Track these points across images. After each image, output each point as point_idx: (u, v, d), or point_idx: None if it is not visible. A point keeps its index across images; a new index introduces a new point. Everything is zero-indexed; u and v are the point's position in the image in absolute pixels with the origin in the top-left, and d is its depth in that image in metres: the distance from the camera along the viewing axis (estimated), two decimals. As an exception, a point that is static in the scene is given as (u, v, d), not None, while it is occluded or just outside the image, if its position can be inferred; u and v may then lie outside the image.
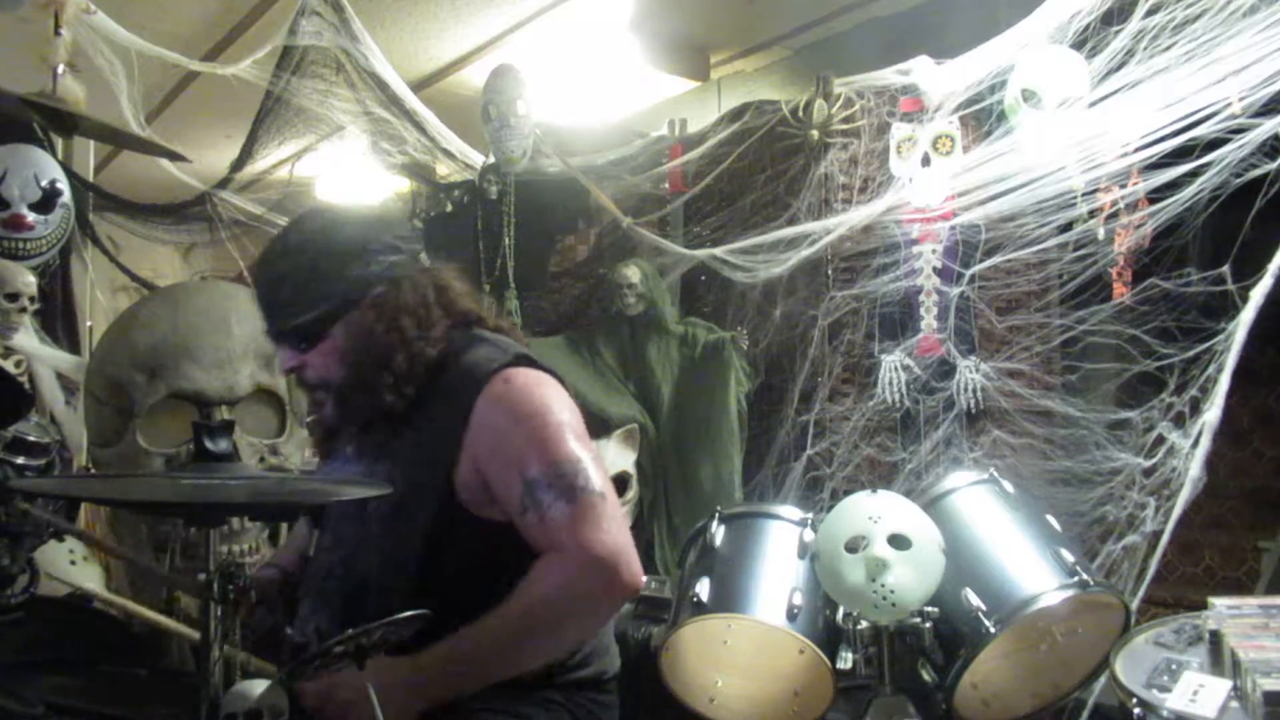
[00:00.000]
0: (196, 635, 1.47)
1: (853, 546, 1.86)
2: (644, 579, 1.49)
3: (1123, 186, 2.27)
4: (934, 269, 2.68)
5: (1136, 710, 1.47)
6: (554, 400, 1.54)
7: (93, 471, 2.51)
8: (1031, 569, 1.89)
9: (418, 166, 3.54)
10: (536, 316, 3.54)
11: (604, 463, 1.57)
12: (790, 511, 2.16)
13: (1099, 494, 2.27)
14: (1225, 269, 2.03)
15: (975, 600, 1.83)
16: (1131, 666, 1.58)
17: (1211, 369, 2.01)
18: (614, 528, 1.46)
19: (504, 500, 1.49)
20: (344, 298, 1.54)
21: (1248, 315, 1.94)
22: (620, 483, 3.04)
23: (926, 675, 1.91)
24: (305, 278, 1.54)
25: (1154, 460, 2.13)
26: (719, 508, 2.23)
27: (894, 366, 2.72)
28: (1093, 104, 2.24)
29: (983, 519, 2.01)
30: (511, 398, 1.52)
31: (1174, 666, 1.54)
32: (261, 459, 2.30)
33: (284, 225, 1.67)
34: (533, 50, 4.06)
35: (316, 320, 1.54)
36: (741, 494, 2.96)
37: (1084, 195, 2.28)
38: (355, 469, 1.64)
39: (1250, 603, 1.63)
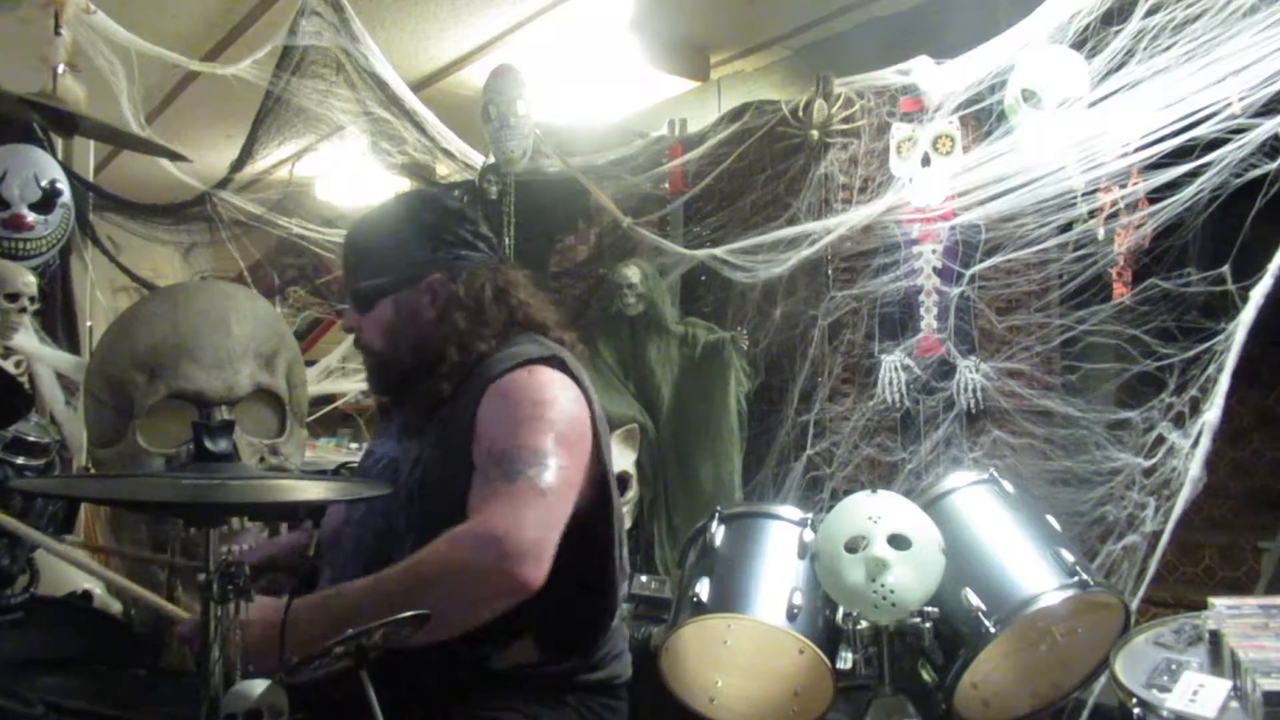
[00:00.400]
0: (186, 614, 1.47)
1: (853, 546, 1.86)
2: (539, 582, 1.36)
3: (1123, 186, 2.27)
4: (934, 269, 2.68)
5: (1136, 710, 1.47)
6: (561, 402, 1.53)
7: (93, 471, 2.50)
8: (1031, 569, 1.89)
9: (418, 166, 3.54)
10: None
11: (574, 474, 1.49)
12: (790, 511, 2.16)
13: (1099, 494, 2.27)
14: (1225, 269, 2.03)
15: (975, 600, 1.84)
16: (1131, 666, 1.58)
17: (1211, 369, 2.01)
18: (531, 520, 1.38)
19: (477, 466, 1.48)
20: (400, 274, 1.61)
21: (1248, 315, 1.94)
22: (620, 483, 3.04)
23: (926, 675, 1.92)
24: (371, 248, 1.65)
25: (1154, 460, 2.13)
26: (719, 508, 2.23)
27: (894, 366, 2.72)
28: (1093, 104, 2.24)
29: (983, 519, 2.01)
30: (523, 385, 1.53)
31: (1174, 666, 1.54)
32: (261, 459, 2.29)
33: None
34: (533, 50, 4.05)
35: (372, 289, 1.63)
36: (741, 494, 2.96)
37: (1084, 195, 2.28)
38: (397, 449, 1.67)
39: (1250, 603, 1.64)
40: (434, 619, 1.30)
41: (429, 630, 1.30)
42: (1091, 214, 2.32)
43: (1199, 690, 1.46)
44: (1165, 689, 1.48)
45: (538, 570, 1.36)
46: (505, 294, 1.65)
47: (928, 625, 1.84)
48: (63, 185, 3.02)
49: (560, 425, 1.50)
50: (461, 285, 1.61)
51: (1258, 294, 1.92)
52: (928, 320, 2.69)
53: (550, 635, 1.54)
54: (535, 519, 1.39)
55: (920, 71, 2.67)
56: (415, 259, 1.61)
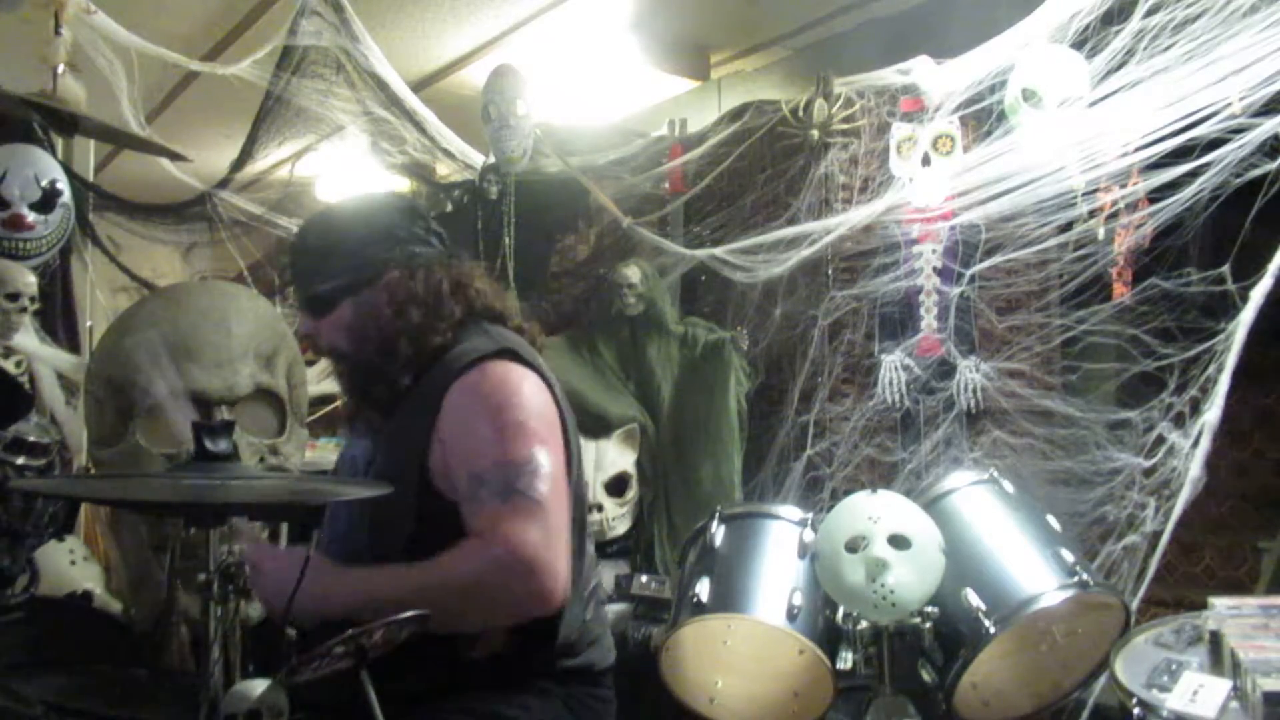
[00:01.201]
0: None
1: (853, 546, 1.86)
2: (562, 597, 1.43)
3: (1123, 186, 2.27)
4: (934, 269, 2.68)
5: (1136, 710, 1.47)
6: (522, 397, 1.53)
7: (93, 471, 2.50)
8: (1031, 569, 1.89)
9: (418, 166, 3.54)
10: (536, 317, 3.53)
11: (558, 469, 1.51)
12: (790, 511, 2.16)
13: (1099, 494, 2.27)
14: (1225, 269, 2.03)
15: (975, 600, 1.84)
16: (1131, 666, 1.58)
17: (1211, 369, 2.01)
18: (541, 534, 1.42)
19: (456, 487, 1.50)
20: (357, 275, 1.61)
21: (1248, 315, 1.94)
22: (620, 483, 3.04)
23: (926, 675, 1.92)
24: (325, 251, 1.64)
25: (1154, 460, 2.13)
26: (719, 508, 2.23)
27: (894, 366, 2.72)
28: (1093, 104, 2.24)
29: (983, 519, 2.01)
30: (480, 389, 1.53)
31: (1174, 666, 1.54)
32: (261, 459, 2.29)
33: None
34: (533, 50, 4.05)
35: (330, 292, 1.62)
36: (741, 494, 2.96)
37: (1084, 195, 2.28)
38: (361, 447, 1.69)
39: (1250, 603, 1.64)
40: (463, 624, 1.45)
41: (450, 627, 1.41)
42: (1091, 214, 2.31)
43: (1199, 690, 1.46)
44: (1165, 689, 1.48)
45: (560, 583, 1.43)
46: (462, 286, 1.66)
47: (928, 625, 1.84)
48: (63, 185, 3.02)
49: (528, 423, 1.50)
50: (419, 281, 1.62)
51: (1258, 294, 1.92)
52: (928, 320, 2.69)
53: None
54: (543, 532, 1.43)
55: (920, 71, 2.67)
56: (372, 258, 1.61)
